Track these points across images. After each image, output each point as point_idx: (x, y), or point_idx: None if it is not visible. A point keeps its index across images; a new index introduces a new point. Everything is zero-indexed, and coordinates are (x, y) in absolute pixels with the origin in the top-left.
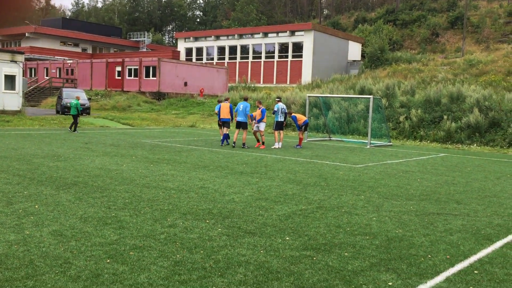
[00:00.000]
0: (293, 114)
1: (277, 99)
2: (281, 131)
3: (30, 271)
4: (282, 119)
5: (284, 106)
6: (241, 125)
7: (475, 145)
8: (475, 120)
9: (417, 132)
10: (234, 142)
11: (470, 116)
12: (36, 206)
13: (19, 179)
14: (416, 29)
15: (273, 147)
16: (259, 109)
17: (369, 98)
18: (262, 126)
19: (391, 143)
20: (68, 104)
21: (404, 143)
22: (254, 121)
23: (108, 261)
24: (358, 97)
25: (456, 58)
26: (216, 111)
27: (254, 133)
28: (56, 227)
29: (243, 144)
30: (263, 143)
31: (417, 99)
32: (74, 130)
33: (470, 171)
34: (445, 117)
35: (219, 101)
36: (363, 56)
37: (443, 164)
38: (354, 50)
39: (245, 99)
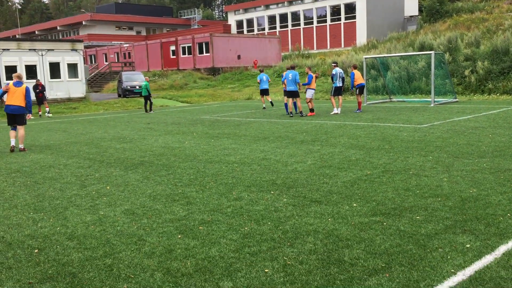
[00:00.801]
0: (352, 71)
1: (333, 64)
2: (340, 97)
3: (108, 249)
4: (341, 84)
5: (341, 71)
6: (293, 94)
7: None
8: None
9: (484, 86)
10: (291, 112)
11: None
12: (108, 187)
13: (89, 162)
14: None
15: (332, 113)
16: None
17: (430, 54)
18: (309, 93)
19: (457, 99)
20: (128, 87)
21: (471, 98)
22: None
23: (180, 236)
24: (418, 54)
25: None
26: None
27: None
28: (128, 206)
29: (300, 112)
30: (311, 110)
31: (483, 51)
32: (150, 110)
33: None
34: None
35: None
36: (420, 10)
37: None
38: (411, 5)
39: (292, 68)
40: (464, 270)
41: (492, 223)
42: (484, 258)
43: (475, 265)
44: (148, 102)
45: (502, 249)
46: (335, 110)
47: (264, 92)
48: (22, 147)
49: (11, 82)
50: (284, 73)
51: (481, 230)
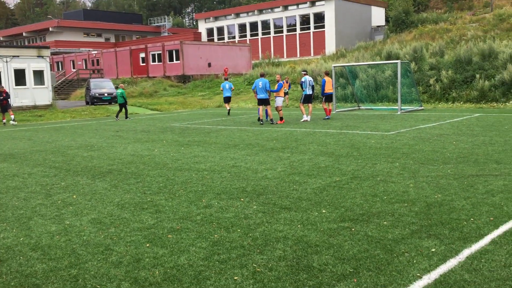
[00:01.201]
0: (324, 78)
1: (303, 72)
2: (310, 104)
3: (73, 259)
4: (310, 92)
5: (311, 79)
6: (263, 102)
7: (511, 102)
8: (509, 77)
9: (449, 94)
10: (261, 120)
11: (504, 72)
12: (74, 196)
13: (55, 171)
14: None
15: (302, 120)
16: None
17: (397, 63)
18: (278, 101)
19: (422, 107)
20: (97, 95)
21: (436, 106)
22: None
23: (148, 245)
24: (385, 63)
25: (485, 14)
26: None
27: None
28: (94, 215)
29: (271, 120)
30: (280, 118)
31: (447, 60)
32: (126, 117)
33: (508, 129)
34: (477, 76)
35: (304, 72)
36: (387, 20)
37: (479, 125)
38: (378, 15)
39: (262, 75)
40: (429, 273)
41: (456, 228)
42: (449, 262)
43: (440, 268)
44: (123, 109)
45: (465, 252)
46: (305, 117)
47: (227, 100)
48: None
49: None
50: (255, 81)
51: (445, 235)
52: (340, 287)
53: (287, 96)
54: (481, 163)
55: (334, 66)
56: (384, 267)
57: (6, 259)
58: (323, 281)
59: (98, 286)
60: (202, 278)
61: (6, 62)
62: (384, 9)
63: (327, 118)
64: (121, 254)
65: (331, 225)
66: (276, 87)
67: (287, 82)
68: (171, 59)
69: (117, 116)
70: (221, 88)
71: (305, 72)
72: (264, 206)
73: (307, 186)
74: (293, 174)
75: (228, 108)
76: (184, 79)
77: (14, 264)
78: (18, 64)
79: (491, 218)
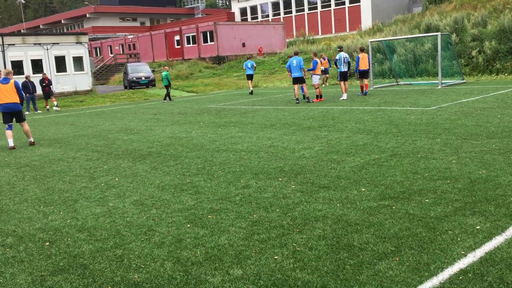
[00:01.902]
0: (358, 54)
1: (338, 49)
2: (346, 82)
3: (118, 240)
4: (346, 69)
5: (347, 55)
6: (298, 81)
7: None
8: None
9: (492, 66)
10: (297, 99)
11: None
12: (116, 179)
13: (98, 155)
14: None
15: (341, 98)
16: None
17: (437, 35)
18: (314, 78)
19: (464, 81)
20: (134, 79)
21: (479, 79)
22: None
23: (189, 226)
24: (425, 36)
25: None
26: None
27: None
28: (136, 197)
29: (307, 98)
30: (318, 96)
31: (490, 30)
32: (170, 99)
33: None
34: None
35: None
36: None
37: None
38: None
39: (296, 54)
40: (474, 251)
41: (502, 204)
42: (495, 239)
43: (485, 246)
44: (166, 91)
45: None
46: (344, 96)
47: (250, 77)
48: (32, 141)
49: None
50: (288, 60)
51: (491, 212)
52: (382, 266)
53: (327, 75)
54: None
55: (371, 42)
56: (426, 246)
57: (54, 240)
58: (364, 260)
59: (142, 266)
60: (242, 258)
61: (47, 49)
62: None
63: (362, 94)
64: (163, 234)
65: (371, 203)
66: (311, 65)
67: (325, 59)
68: (205, 41)
69: (165, 99)
70: (243, 67)
71: (340, 49)
72: (302, 185)
73: (345, 164)
74: (330, 152)
75: (251, 87)
76: (219, 60)
77: (62, 245)
78: (58, 51)
79: None
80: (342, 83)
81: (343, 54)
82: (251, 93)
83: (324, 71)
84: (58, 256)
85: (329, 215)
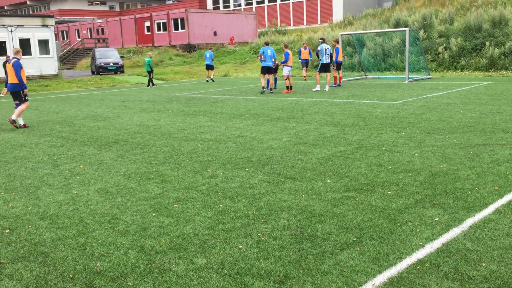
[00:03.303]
0: (336, 46)
1: (320, 40)
2: (328, 73)
3: (81, 228)
4: (328, 61)
5: (329, 47)
6: (268, 70)
7: None
8: None
9: (457, 62)
10: (263, 87)
11: None
12: (81, 166)
13: (62, 141)
14: None
15: (314, 89)
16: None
17: (405, 30)
18: (285, 70)
19: (430, 76)
20: (102, 64)
21: (444, 75)
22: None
23: (154, 214)
24: (393, 31)
25: None
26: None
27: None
28: (101, 185)
29: (270, 89)
30: (288, 87)
31: (457, 27)
32: (153, 84)
33: None
34: (487, 43)
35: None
36: None
37: (487, 93)
38: None
39: (267, 44)
40: (432, 242)
41: (460, 197)
42: (452, 231)
43: (442, 237)
44: (148, 77)
45: (469, 222)
46: (317, 87)
47: (209, 67)
48: (22, 123)
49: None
50: (262, 48)
51: (449, 204)
52: (343, 256)
53: (305, 68)
54: (488, 133)
55: (341, 34)
56: (387, 236)
57: (15, 227)
58: (326, 250)
59: (106, 254)
60: (207, 247)
61: (11, 31)
62: None
63: (336, 86)
64: (128, 223)
65: (335, 194)
66: (283, 57)
67: (305, 49)
68: (176, 28)
69: (148, 85)
70: (204, 57)
71: (322, 40)
72: (269, 176)
73: (312, 156)
74: (298, 144)
75: (208, 77)
76: (189, 48)
77: (23, 232)
78: (22, 34)
79: (496, 188)
80: (319, 74)
81: (325, 46)
82: (212, 81)
83: (305, 62)
84: (18, 243)
85: (294, 205)
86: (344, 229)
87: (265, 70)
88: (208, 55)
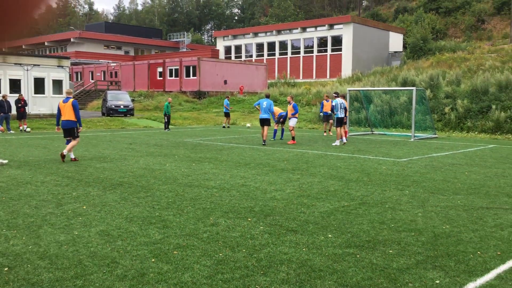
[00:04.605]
0: (336, 99)
1: (334, 94)
2: (342, 128)
3: (79, 270)
4: (342, 115)
5: (343, 101)
6: (265, 122)
7: None
8: None
9: (463, 123)
10: (264, 141)
11: None
12: (84, 207)
13: (68, 181)
14: (460, 16)
15: (333, 144)
16: (290, 104)
17: (412, 89)
18: (293, 121)
19: (436, 135)
20: (113, 106)
21: (450, 135)
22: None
23: (153, 260)
24: (401, 89)
25: (504, 45)
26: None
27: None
28: (103, 227)
29: (263, 141)
30: (293, 138)
31: (463, 89)
32: (167, 129)
33: None
34: (493, 106)
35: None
36: (404, 47)
37: (492, 156)
38: (395, 41)
39: (267, 96)
40: None
41: (462, 260)
42: None
43: None
44: (166, 120)
45: (470, 286)
46: (337, 142)
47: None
48: (73, 157)
49: (61, 100)
50: (259, 100)
51: (451, 267)
52: None
53: (331, 120)
54: (492, 196)
55: (349, 90)
56: None
57: (14, 266)
58: None
59: None
60: None
61: (27, 70)
62: (402, 35)
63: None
64: (127, 267)
65: (336, 250)
66: (292, 109)
67: (328, 101)
68: (188, 75)
69: (166, 128)
70: (225, 105)
71: (336, 94)
72: (270, 227)
73: (315, 209)
74: (301, 196)
75: (224, 123)
76: (199, 95)
77: (21, 271)
78: (38, 73)
79: (499, 253)
80: (338, 129)
81: (339, 100)
82: (225, 127)
83: (328, 116)
84: (16, 282)
85: (294, 259)
86: (343, 286)
87: (263, 122)
88: (224, 103)
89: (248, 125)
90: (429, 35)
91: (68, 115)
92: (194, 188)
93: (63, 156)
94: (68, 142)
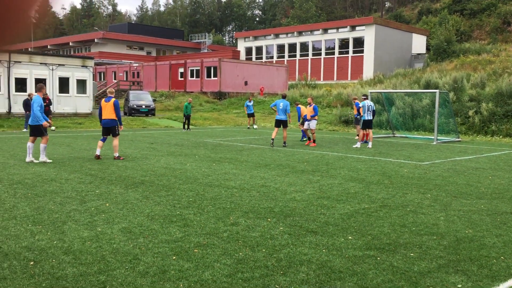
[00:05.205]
0: (356, 101)
1: (363, 97)
2: (370, 130)
3: (102, 266)
4: (370, 118)
5: (371, 104)
6: (281, 123)
7: None
8: None
9: (488, 127)
10: (272, 140)
11: None
12: (107, 204)
13: (91, 179)
14: (486, 18)
15: (354, 146)
16: (310, 106)
17: (435, 92)
18: (313, 123)
19: (459, 139)
20: (135, 106)
21: (474, 139)
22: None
23: (174, 258)
24: (423, 92)
25: None
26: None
27: (305, 130)
28: (125, 225)
29: (284, 142)
30: (314, 141)
31: (488, 92)
32: (188, 129)
33: None
34: None
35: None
36: (428, 49)
37: None
38: (418, 43)
39: (284, 97)
40: None
41: (485, 265)
42: None
43: None
44: (187, 121)
45: None
46: (358, 144)
47: (250, 115)
48: (117, 155)
49: (103, 99)
50: (276, 101)
51: (473, 271)
52: None
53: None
54: None
55: (371, 92)
56: None
57: (39, 260)
58: None
59: None
60: None
61: (52, 70)
62: (426, 37)
63: (363, 142)
64: (148, 264)
65: (356, 252)
66: (312, 110)
67: (356, 105)
68: (208, 76)
69: (188, 127)
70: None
71: (365, 97)
72: (290, 228)
73: (335, 211)
74: (321, 198)
75: (249, 124)
76: (220, 95)
77: (46, 266)
78: (62, 73)
79: None
80: (363, 131)
81: (367, 102)
82: (250, 128)
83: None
84: (41, 276)
85: (314, 260)
86: None
87: (279, 123)
88: (245, 105)
89: (255, 126)
90: (453, 37)
91: (109, 114)
92: (215, 188)
93: (118, 158)
94: (103, 139)
